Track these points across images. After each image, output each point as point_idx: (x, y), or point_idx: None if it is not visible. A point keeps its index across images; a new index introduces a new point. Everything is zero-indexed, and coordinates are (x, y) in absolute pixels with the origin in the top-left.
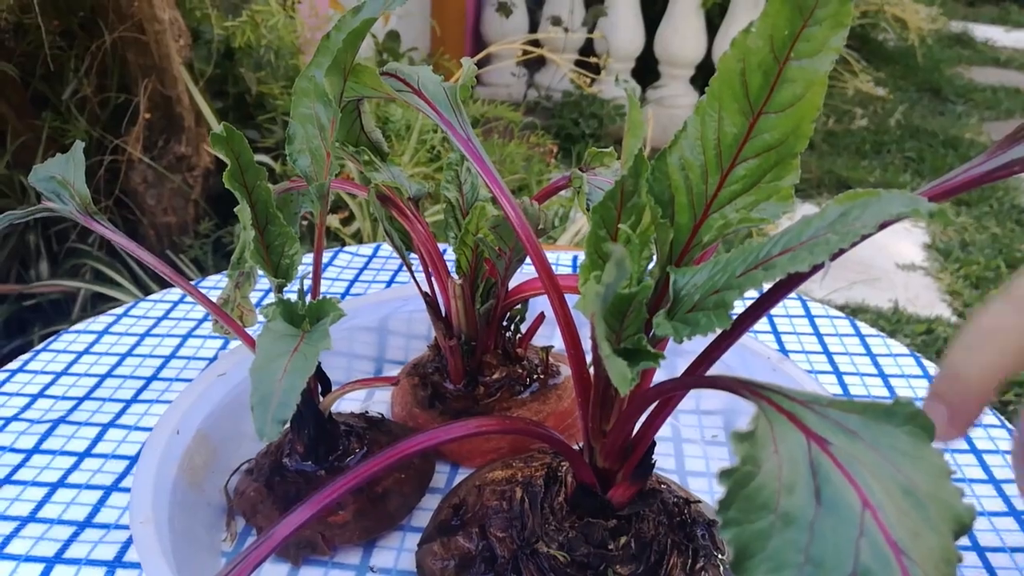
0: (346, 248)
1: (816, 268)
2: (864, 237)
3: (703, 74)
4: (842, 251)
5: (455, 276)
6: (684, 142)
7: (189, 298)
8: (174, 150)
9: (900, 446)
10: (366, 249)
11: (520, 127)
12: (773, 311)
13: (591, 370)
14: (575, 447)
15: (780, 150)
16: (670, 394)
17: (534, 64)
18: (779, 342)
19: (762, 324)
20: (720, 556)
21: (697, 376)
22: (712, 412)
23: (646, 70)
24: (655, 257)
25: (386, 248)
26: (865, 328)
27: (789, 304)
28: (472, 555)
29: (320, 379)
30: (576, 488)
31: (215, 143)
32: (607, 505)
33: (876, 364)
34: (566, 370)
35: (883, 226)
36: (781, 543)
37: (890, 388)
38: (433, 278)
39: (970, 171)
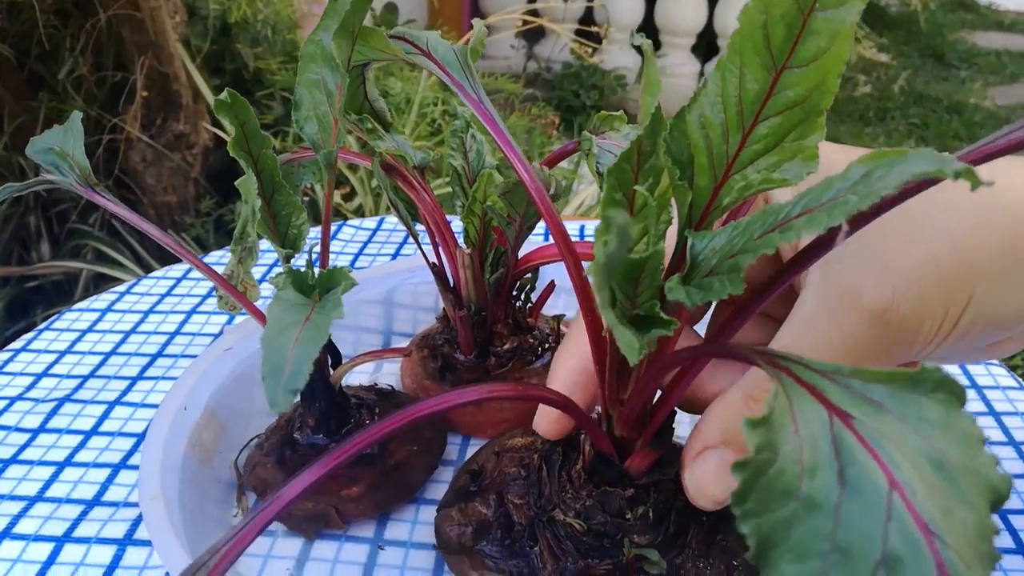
0: (349, 222)
1: (835, 231)
2: (888, 200)
3: (704, 43)
4: (862, 214)
5: (463, 246)
6: (704, 99)
7: (193, 274)
8: (172, 128)
9: (929, 416)
10: (369, 222)
11: (520, 99)
12: None
13: (607, 337)
14: (592, 415)
15: (804, 106)
16: (688, 363)
17: (533, 36)
18: None
19: None
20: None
21: (714, 345)
22: None
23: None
24: (674, 221)
25: (390, 221)
26: None
27: None
28: (489, 521)
29: (330, 351)
30: (593, 457)
31: (219, 109)
32: (625, 474)
33: None
34: None
35: (907, 191)
36: (805, 531)
37: None
38: (441, 248)
39: (1013, 133)
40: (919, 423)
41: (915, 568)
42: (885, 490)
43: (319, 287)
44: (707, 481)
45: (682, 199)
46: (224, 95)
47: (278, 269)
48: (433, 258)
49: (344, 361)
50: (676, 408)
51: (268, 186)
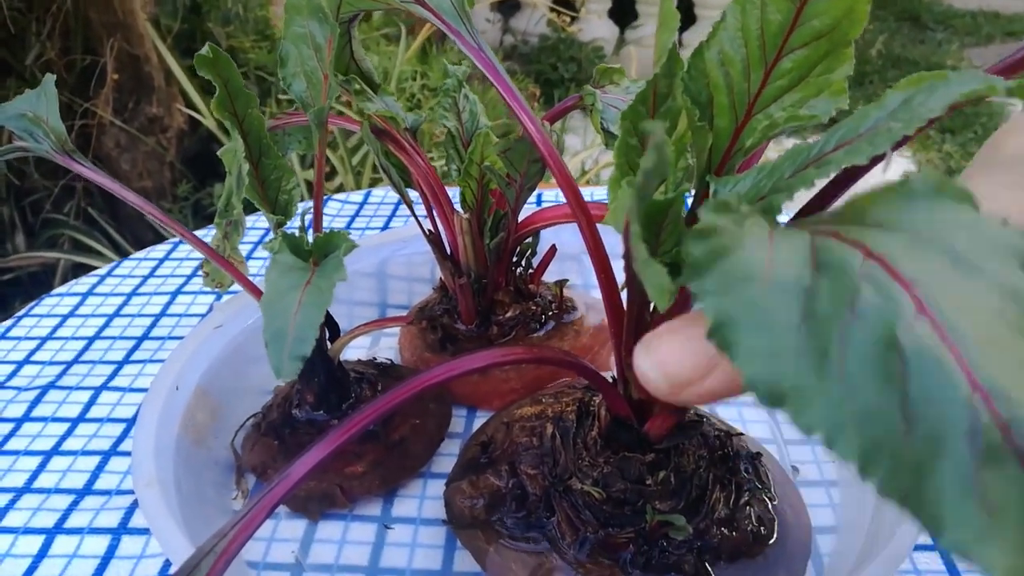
0: (335, 196)
1: (877, 159)
2: (931, 122)
3: (682, 11)
4: (907, 138)
5: (460, 211)
6: (723, 34)
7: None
8: (145, 111)
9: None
10: (356, 196)
11: None
12: None
13: (623, 295)
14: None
15: (832, 37)
16: None
17: (508, 9)
18: None
19: None
20: (767, 492)
21: None
22: None
23: (623, 11)
24: (692, 167)
25: (377, 194)
26: None
27: None
28: (502, 493)
29: (327, 324)
30: (610, 422)
31: (200, 65)
32: (644, 438)
33: None
34: (582, 306)
35: (954, 107)
36: (772, 306)
37: None
38: (436, 215)
39: None
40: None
41: (883, 310)
42: (859, 260)
43: (316, 252)
44: (670, 355)
45: (702, 142)
46: (206, 50)
47: (268, 240)
48: (428, 226)
49: (342, 334)
50: None
51: (255, 149)
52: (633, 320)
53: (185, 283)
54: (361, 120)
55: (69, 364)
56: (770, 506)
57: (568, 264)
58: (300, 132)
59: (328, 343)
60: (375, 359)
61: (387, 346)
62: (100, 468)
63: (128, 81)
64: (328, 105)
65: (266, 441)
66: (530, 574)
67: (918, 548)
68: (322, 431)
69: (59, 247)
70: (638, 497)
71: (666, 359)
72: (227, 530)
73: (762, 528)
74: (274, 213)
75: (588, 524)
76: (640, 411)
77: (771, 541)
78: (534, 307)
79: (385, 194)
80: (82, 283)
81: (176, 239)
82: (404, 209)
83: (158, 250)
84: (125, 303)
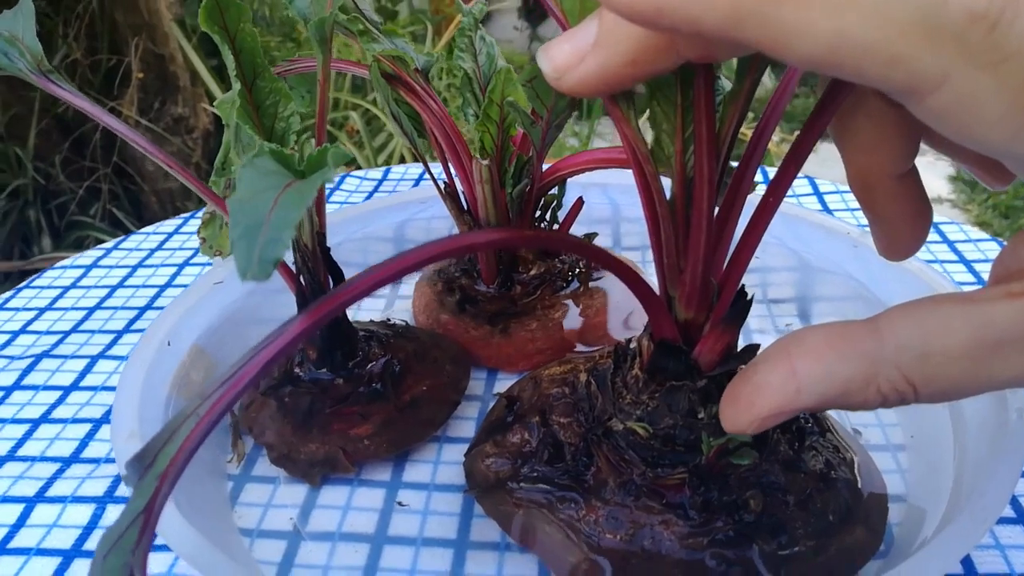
0: (353, 172)
1: None
2: None
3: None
4: None
5: (479, 157)
6: None
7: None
8: (171, 112)
9: None
10: (375, 173)
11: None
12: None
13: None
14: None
15: None
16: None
17: (536, 17)
18: None
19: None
20: (831, 439)
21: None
22: (783, 300)
23: None
24: None
25: (397, 170)
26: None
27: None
28: (532, 448)
29: (331, 270)
30: (655, 349)
31: None
32: (693, 366)
33: (955, 251)
34: None
35: None
36: None
37: (975, 274)
38: (452, 164)
39: None
40: None
41: None
42: None
43: (309, 168)
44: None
45: None
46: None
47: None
48: (444, 179)
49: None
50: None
51: (248, 69)
52: (678, 219)
53: (193, 255)
54: (369, 64)
55: (67, 333)
56: (837, 456)
57: (596, 228)
58: (304, 83)
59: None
60: (388, 320)
61: (402, 308)
62: (90, 436)
63: (154, 81)
64: (332, 17)
65: (265, 401)
66: (567, 534)
67: (1002, 521)
68: (326, 391)
69: (85, 249)
70: (689, 432)
71: (553, 54)
72: (212, 391)
73: (832, 473)
74: (269, 141)
75: (634, 465)
76: (687, 334)
77: (843, 490)
78: (560, 265)
79: (405, 171)
80: (88, 255)
81: (187, 214)
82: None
83: (167, 224)
84: (130, 275)
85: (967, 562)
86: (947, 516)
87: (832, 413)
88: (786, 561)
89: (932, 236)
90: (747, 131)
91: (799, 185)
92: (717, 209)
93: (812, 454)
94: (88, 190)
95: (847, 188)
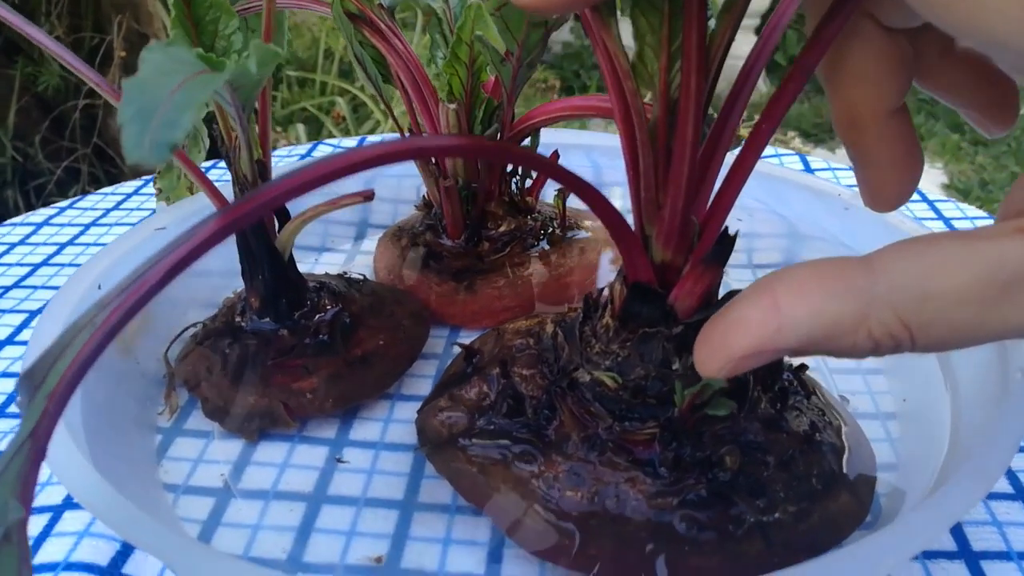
0: (327, 140)
1: None
2: None
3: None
4: None
5: (446, 102)
6: None
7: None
8: None
9: None
10: (349, 142)
11: None
12: None
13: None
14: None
15: None
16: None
17: None
18: None
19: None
20: (814, 401)
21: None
22: (767, 265)
23: None
24: None
25: (373, 140)
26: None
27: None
28: (490, 402)
29: (278, 211)
30: (628, 293)
31: None
32: (669, 311)
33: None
34: (589, 227)
35: None
36: None
37: None
38: (418, 109)
39: None
40: None
41: None
42: None
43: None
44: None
45: None
46: None
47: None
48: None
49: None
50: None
51: None
52: (657, 147)
53: (150, 215)
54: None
55: (7, 289)
56: (823, 419)
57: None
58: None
59: (277, 233)
60: (345, 273)
61: (363, 263)
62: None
63: (136, 61)
64: None
65: (202, 352)
66: (523, 493)
67: (1000, 497)
68: (268, 342)
69: None
70: (662, 384)
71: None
72: (111, 298)
73: (817, 435)
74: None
75: (600, 419)
76: (664, 276)
77: (828, 455)
78: (532, 222)
79: (382, 140)
80: (39, 213)
81: (149, 177)
82: None
83: (127, 185)
84: (81, 233)
85: (961, 538)
86: (938, 485)
87: (819, 379)
88: (764, 528)
89: (927, 213)
90: (745, 131)
91: (789, 162)
92: (703, 142)
93: (796, 414)
94: (67, 170)
95: (839, 165)
